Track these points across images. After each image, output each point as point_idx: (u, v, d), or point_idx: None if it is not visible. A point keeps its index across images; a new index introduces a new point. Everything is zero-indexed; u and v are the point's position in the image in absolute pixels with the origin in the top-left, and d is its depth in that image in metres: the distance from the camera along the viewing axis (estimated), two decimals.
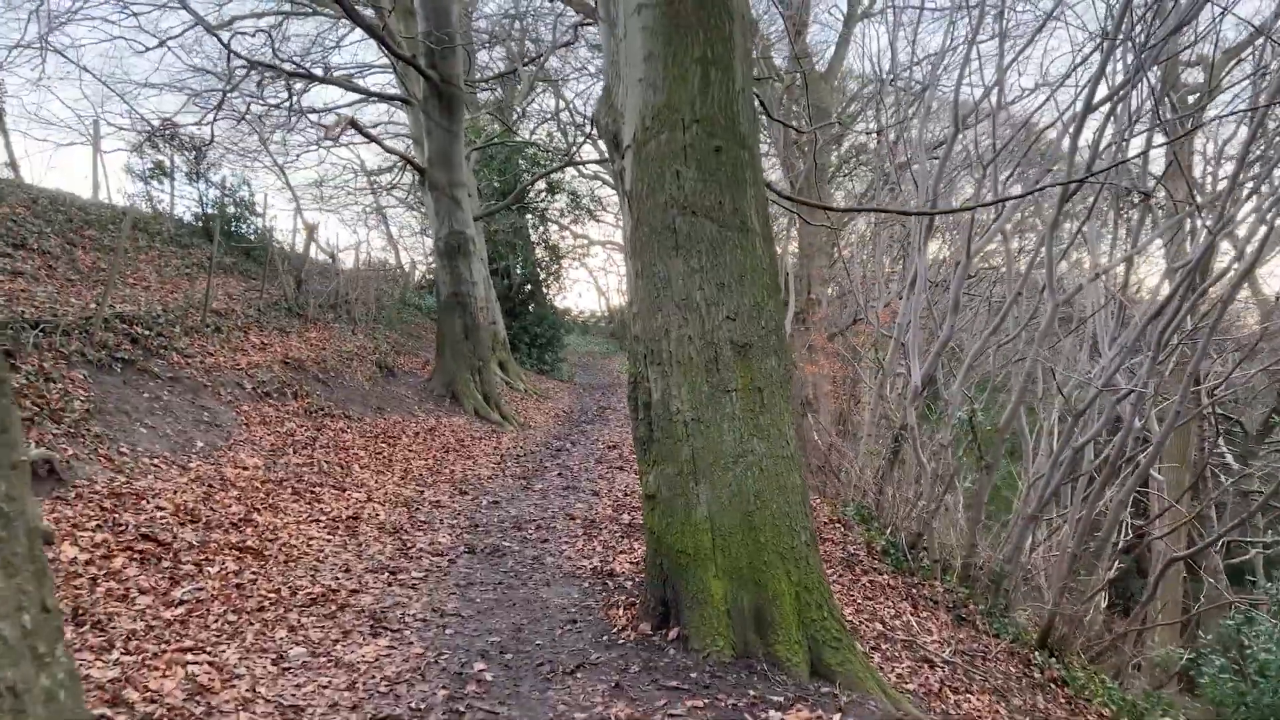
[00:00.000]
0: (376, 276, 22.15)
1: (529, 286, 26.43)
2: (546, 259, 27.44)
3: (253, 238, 17.78)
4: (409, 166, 16.75)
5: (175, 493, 6.57)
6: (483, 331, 14.33)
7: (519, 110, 24.63)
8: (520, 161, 23.60)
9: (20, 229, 10.61)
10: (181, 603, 4.82)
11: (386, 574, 5.93)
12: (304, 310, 14.59)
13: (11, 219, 10.65)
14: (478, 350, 14.17)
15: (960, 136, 9.90)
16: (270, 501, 7.12)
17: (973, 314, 14.83)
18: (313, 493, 7.72)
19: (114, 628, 4.29)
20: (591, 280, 53.70)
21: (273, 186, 22.21)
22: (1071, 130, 7.86)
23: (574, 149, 20.50)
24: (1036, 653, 7.77)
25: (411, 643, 4.69)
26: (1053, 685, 7.46)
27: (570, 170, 30.88)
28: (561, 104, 27.94)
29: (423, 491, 8.57)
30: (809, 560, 4.80)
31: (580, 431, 14.61)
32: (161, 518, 5.95)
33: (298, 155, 18.63)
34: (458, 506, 8.14)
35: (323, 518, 7.07)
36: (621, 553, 6.80)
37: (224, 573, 5.41)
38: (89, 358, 7.97)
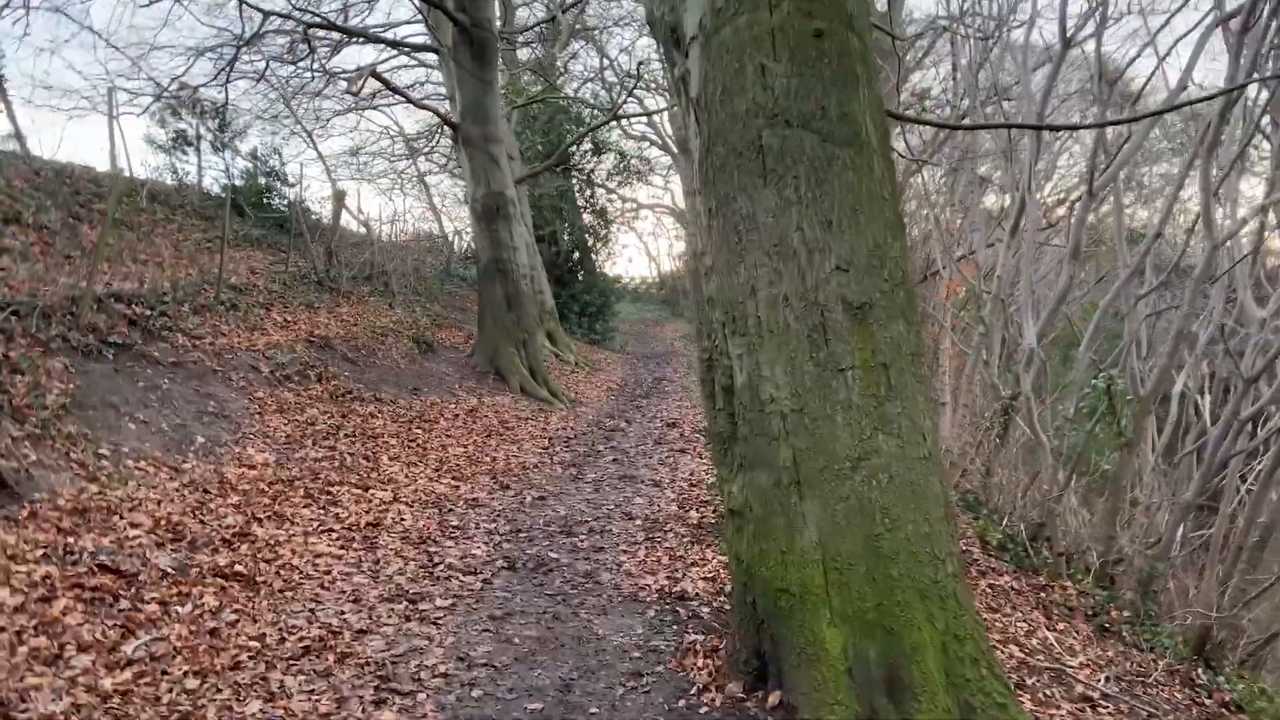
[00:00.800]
0: (417, 247, 21.15)
1: (576, 254, 25.24)
2: (595, 224, 26.17)
3: (284, 209, 16.84)
4: (444, 125, 15.58)
5: (159, 503, 5.51)
6: (527, 301, 13.15)
7: (561, 68, 23.26)
8: (564, 122, 22.31)
9: (15, 202, 9.66)
10: (130, 663, 3.72)
11: (404, 603, 4.79)
12: (336, 283, 13.57)
13: (4, 192, 9.70)
14: (522, 321, 13.00)
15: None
16: (276, 508, 6.03)
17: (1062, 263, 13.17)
18: (329, 494, 6.62)
19: (24, 714, 3.19)
20: (641, 245, 52.09)
21: (307, 157, 21.35)
22: (1236, 24, 6.29)
23: (620, 103, 19.09)
24: (1200, 670, 6.38)
25: (425, 715, 3.52)
26: (1226, 712, 6.08)
27: (616, 130, 29.58)
28: (605, 61, 26.47)
29: (458, 487, 7.43)
30: (958, 598, 3.51)
31: (635, 407, 13.40)
32: (133, 539, 4.87)
33: (328, 120, 17.64)
34: (497, 505, 6.98)
35: (337, 526, 5.97)
36: (693, 565, 5.57)
37: (198, 613, 4.31)
38: (73, 343, 6.94)
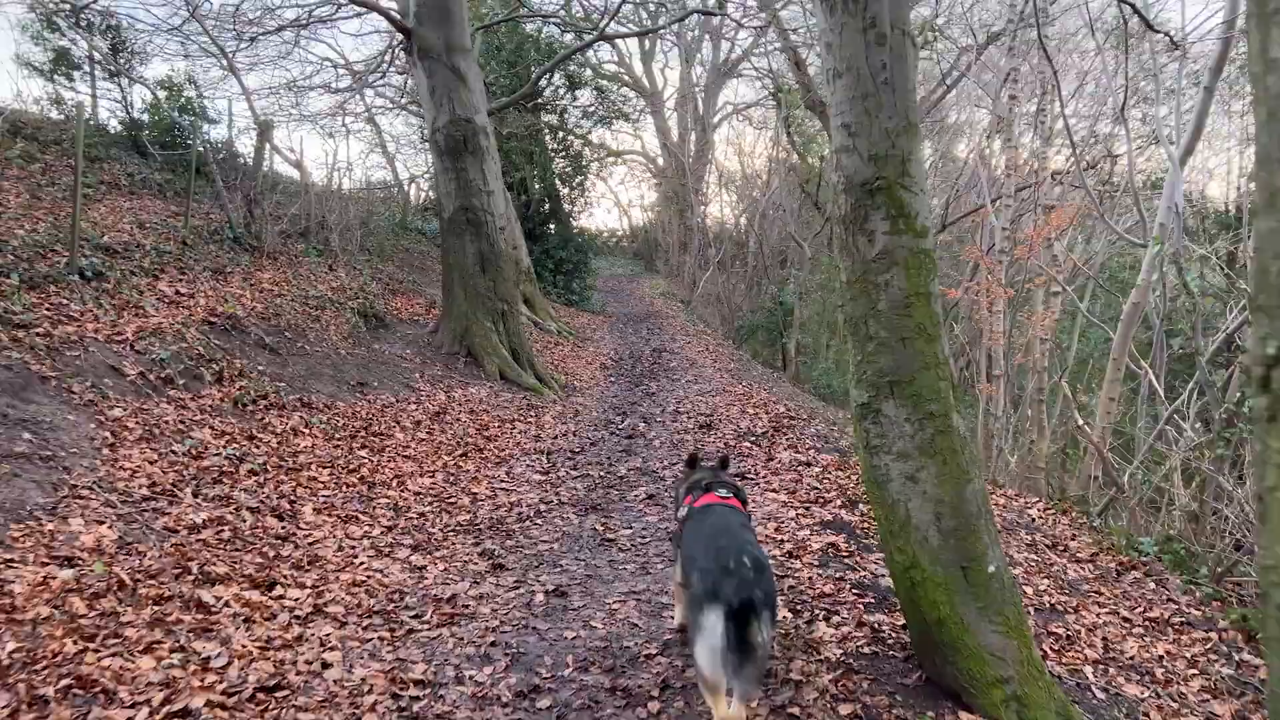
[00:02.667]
0: (366, 196, 18.04)
1: (547, 204, 22.25)
2: (568, 170, 23.11)
3: (204, 150, 13.68)
4: (394, 40, 12.51)
5: None
6: (505, 261, 10.29)
7: None
8: (532, 51, 19.19)
9: None
10: None
11: None
12: (258, 241, 10.59)
13: None
14: (499, 288, 10.16)
15: None
16: (75, 665, 3.24)
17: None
18: (200, 607, 3.84)
19: None
20: (611, 195, 48.58)
21: (238, 91, 17.87)
22: None
23: (604, 23, 16.02)
24: None
25: None
26: None
27: (592, 59, 26.27)
28: None
29: (422, 568, 4.68)
30: None
31: (645, 393, 10.68)
32: None
33: (252, 40, 14.35)
34: (488, 612, 4.21)
35: (194, 688, 3.21)
36: None
37: None
38: None
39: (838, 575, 4.41)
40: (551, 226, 22.28)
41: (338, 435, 6.72)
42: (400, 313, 11.23)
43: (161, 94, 14.14)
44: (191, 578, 4.06)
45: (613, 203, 46.41)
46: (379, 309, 10.44)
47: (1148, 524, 6.31)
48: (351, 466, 6.19)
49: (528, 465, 6.94)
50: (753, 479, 6.38)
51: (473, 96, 9.75)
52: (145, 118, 13.94)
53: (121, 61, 13.73)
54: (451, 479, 6.41)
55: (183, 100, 14.21)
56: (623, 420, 8.78)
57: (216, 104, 27.88)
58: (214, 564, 4.24)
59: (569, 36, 20.22)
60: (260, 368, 7.27)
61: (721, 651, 2.76)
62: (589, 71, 24.25)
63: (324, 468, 6.03)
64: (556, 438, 7.98)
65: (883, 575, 4.51)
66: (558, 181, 22.47)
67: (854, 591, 4.20)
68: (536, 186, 21.45)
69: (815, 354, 20.63)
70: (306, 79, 19.24)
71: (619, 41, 32.83)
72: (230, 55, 14.45)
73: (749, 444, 7.52)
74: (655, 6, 26.73)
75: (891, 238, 3.23)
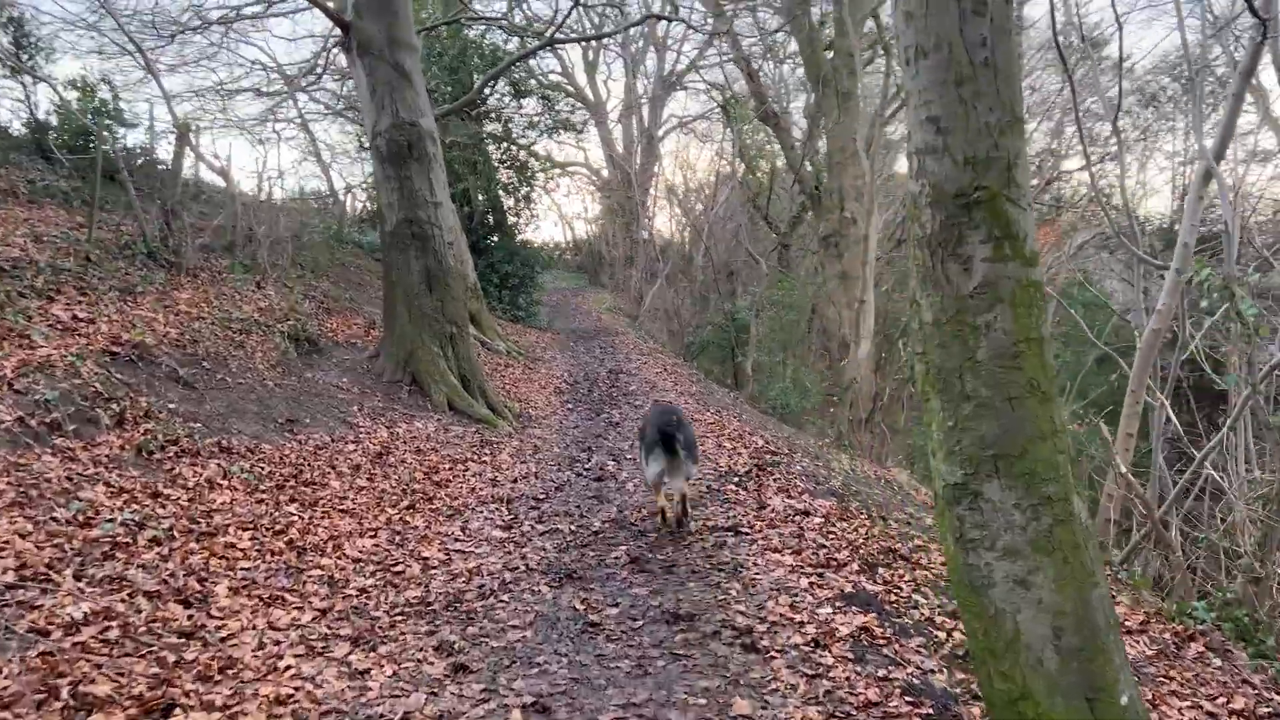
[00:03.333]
0: (300, 208, 16.92)
1: (491, 216, 21.30)
2: (514, 181, 22.15)
3: (122, 156, 12.45)
4: (329, 35, 11.51)
5: None
6: (454, 279, 9.36)
7: None
8: (475, 56, 18.29)
9: None
10: None
11: None
12: (177, 255, 9.50)
13: None
14: (448, 308, 9.22)
15: None
16: None
17: None
18: None
19: None
20: (554, 206, 47.36)
21: (159, 94, 16.57)
22: None
23: (554, 28, 15.21)
24: None
25: None
26: None
27: (536, 69, 25.34)
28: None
29: (365, 670, 3.76)
30: None
31: (607, 422, 9.84)
32: None
33: (172, 37, 13.15)
34: None
35: None
36: None
37: None
38: None
39: (880, 673, 3.63)
40: (496, 239, 21.32)
41: (262, 487, 5.74)
42: (336, 334, 10.20)
43: (72, 95, 12.87)
44: (60, 705, 3.10)
45: (557, 215, 45.33)
46: (312, 331, 9.41)
47: (1178, 578, 5.69)
48: (278, 527, 5.22)
49: (486, 518, 6.03)
50: (747, 533, 5.57)
51: (418, 98, 8.83)
52: (53, 119, 12.68)
53: (25, 58, 12.46)
54: (397, 538, 5.48)
55: (96, 102, 12.96)
56: (589, 458, 7.92)
57: (137, 107, 26.31)
58: (93, 680, 3.27)
59: (513, 44, 19.37)
60: (171, 405, 6.23)
61: (660, 467, 5.28)
62: (534, 81, 23.35)
63: (244, 530, 5.05)
64: (516, 480, 7.08)
65: (931, 670, 3.74)
66: (502, 193, 21.54)
67: (906, 699, 3.42)
68: (480, 198, 20.48)
69: (771, 373, 19.99)
70: (235, 81, 17.95)
71: (563, 53, 32.12)
72: (148, 53, 13.20)
73: (733, 487, 6.72)
74: (600, 16, 26.05)
75: (994, 265, 2.47)
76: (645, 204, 31.71)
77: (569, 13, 13.38)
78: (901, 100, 18.14)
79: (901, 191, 22.99)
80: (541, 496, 6.61)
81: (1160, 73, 23.72)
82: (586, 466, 7.54)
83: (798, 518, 5.90)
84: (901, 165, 23.71)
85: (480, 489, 6.77)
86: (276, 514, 5.41)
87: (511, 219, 21.99)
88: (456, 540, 5.54)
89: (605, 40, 31.05)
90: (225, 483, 5.61)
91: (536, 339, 18.50)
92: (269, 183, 20.29)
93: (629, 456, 7.97)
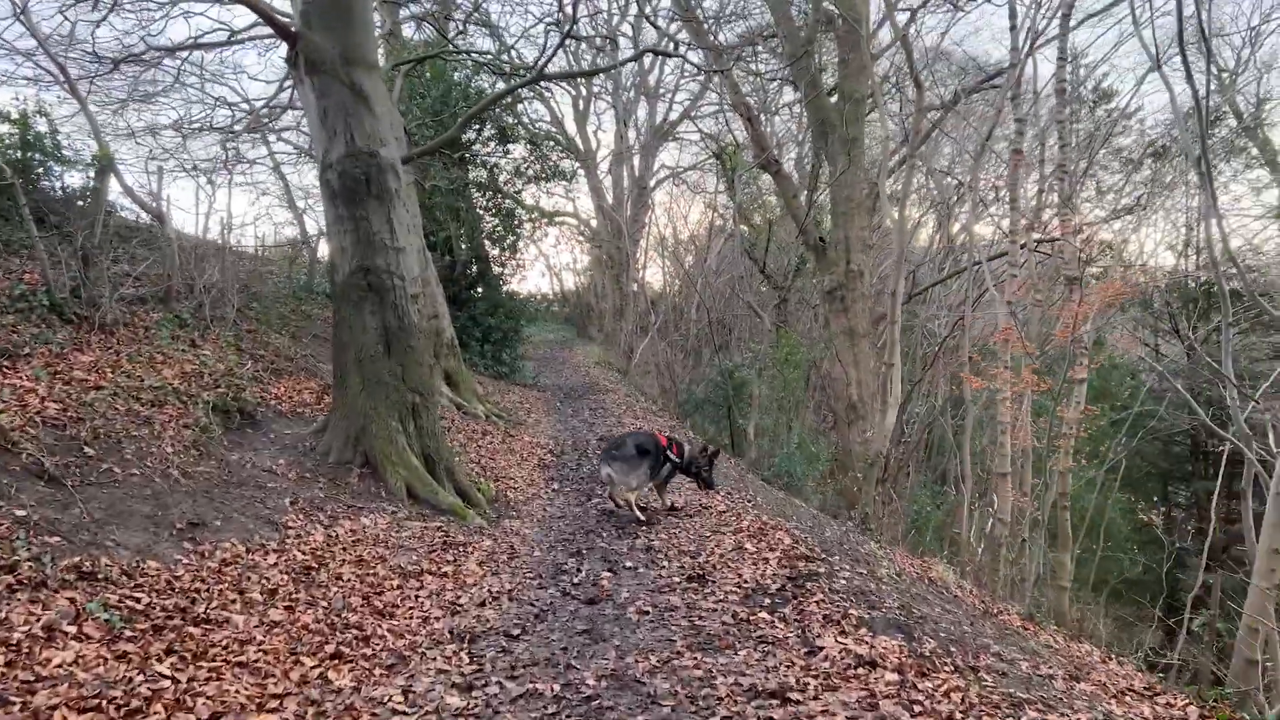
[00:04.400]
0: (259, 254, 15.43)
1: (474, 266, 19.90)
2: (499, 230, 20.79)
3: (61, 194, 10.97)
4: (283, 47, 10.13)
5: None
6: (418, 339, 7.82)
7: (458, 24, 17.77)
8: (459, 99, 17.04)
9: None
10: None
11: None
12: (92, 309, 7.98)
13: None
14: (410, 374, 7.67)
15: None
16: None
17: None
18: None
19: None
20: (541, 257, 45.97)
21: (115, 130, 15.14)
22: None
23: (543, 61, 13.94)
24: None
25: None
26: None
27: (525, 117, 24.09)
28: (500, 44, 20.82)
29: None
30: None
31: (599, 510, 8.26)
32: None
33: (112, 67, 11.74)
34: None
35: None
36: None
37: None
38: None
39: None
40: (479, 290, 19.89)
41: (129, 632, 4.14)
42: (281, 402, 8.63)
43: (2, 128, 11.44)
44: None
45: (545, 266, 43.98)
46: (247, 400, 7.84)
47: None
48: (133, 704, 3.61)
49: (439, 670, 4.41)
50: (799, 702, 3.98)
51: (378, 125, 7.39)
52: None
53: None
54: (311, 712, 3.88)
55: (30, 135, 11.51)
56: (579, 566, 6.32)
57: (84, 142, 24.90)
58: None
59: (500, 86, 18.15)
60: (19, 512, 4.64)
61: (605, 477, 7.93)
62: (521, 129, 22.11)
63: (81, 715, 3.45)
64: (484, 604, 5.47)
65: None
66: (487, 242, 20.19)
67: None
68: (463, 247, 19.08)
69: (775, 437, 18.47)
70: (200, 119, 16.57)
71: (553, 102, 30.99)
72: (85, 81, 11.78)
73: (765, 615, 5.15)
74: (594, 56, 24.98)
75: None
76: (635, 255, 30.46)
77: (556, 49, 12.11)
78: (904, 149, 16.97)
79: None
80: (516, 631, 4.99)
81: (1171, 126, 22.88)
82: (576, 581, 5.93)
83: (862, 671, 4.33)
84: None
85: (436, 617, 5.17)
86: (139, 679, 3.80)
87: (496, 269, 20.61)
88: (395, 715, 3.93)
89: (596, 87, 30.06)
90: (74, 629, 4.00)
91: (520, 398, 16.96)
92: (223, 227, 18.79)
93: (626, 562, 6.38)
